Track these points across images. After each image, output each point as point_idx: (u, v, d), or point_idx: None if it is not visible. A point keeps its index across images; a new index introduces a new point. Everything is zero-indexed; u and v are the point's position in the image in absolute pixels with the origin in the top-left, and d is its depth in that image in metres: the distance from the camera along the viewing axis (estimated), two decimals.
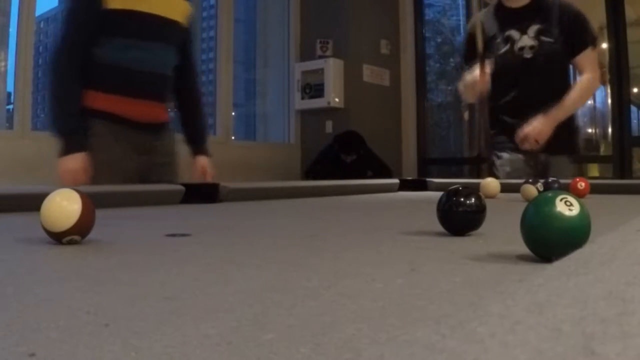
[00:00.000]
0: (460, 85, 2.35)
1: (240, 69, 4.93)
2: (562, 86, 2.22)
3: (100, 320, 0.34)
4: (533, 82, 2.20)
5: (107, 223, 0.88)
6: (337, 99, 4.48)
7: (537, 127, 2.12)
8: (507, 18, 2.25)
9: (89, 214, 0.67)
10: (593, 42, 2.27)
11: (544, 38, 2.21)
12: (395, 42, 4.94)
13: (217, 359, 0.27)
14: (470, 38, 2.31)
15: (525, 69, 2.20)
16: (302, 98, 4.60)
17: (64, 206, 0.65)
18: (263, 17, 5.00)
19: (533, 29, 2.21)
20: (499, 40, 2.24)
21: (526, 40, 2.20)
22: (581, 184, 1.60)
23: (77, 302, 0.39)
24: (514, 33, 2.22)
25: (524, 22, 2.23)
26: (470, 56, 2.29)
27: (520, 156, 2.25)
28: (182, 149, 1.95)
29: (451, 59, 5.53)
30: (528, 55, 2.20)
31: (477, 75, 2.18)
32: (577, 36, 2.21)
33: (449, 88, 5.56)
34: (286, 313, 0.36)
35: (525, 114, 2.14)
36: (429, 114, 5.13)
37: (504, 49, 2.23)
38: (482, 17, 2.34)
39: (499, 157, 2.31)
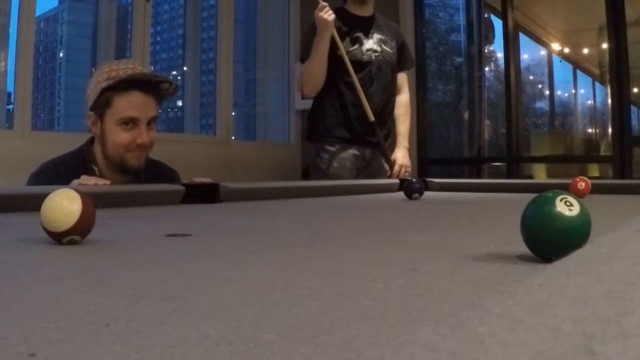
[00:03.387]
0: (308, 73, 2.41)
1: (240, 69, 4.93)
2: (392, 91, 2.56)
3: (100, 320, 0.34)
4: (375, 83, 2.43)
5: (107, 223, 0.88)
6: None
7: (405, 158, 2.58)
8: (354, 21, 2.44)
9: (89, 214, 0.67)
10: (413, 65, 2.84)
11: (385, 47, 2.48)
12: None
13: (217, 359, 0.27)
14: (311, 35, 2.40)
15: (368, 69, 2.43)
16: (302, 98, 4.60)
17: (64, 206, 0.65)
18: (263, 17, 5.00)
19: (376, 36, 2.47)
20: (347, 39, 2.41)
21: (371, 44, 2.45)
22: (581, 184, 1.60)
23: (77, 302, 0.39)
24: (360, 35, 2.44)
25: (368, 28, 2.47)
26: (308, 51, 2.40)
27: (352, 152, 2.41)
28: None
29: (454, 59, 5.53)
30: (371, 56, 2.43)
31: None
32: (405, 55, 2.60)
33: (449, 88, 5.57)
34: (286, 313, 0.36)
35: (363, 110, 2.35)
36: (428, 114, 5.13)
37: (353, 48, 2.42)
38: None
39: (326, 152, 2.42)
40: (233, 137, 4.52)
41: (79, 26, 5.45)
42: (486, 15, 5.20)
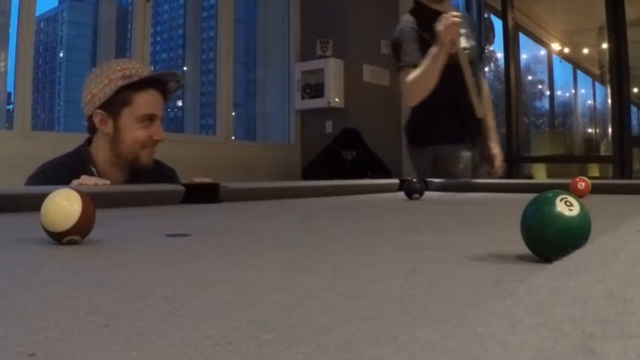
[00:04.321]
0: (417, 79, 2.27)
1: (240, 69, 4.93)
2: (478, 87, 2.40)
3: (100, 320, 0.34)
4: (468, 85, 2.32)
5: (107, 223, 0.88)
6: (337, 99, 4.48)
7: (499, 150, 2.45)
8: (436, 20, 2.29)
9: (89, 214, 0.67)
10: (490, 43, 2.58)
11: (471, 41, 2.37)
12: None
13: (217, 359, 0.27)
14: (411, 43, 2.31)
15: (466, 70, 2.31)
16: (302, 98, 4.60)
17: (64, 206, 0.65)
18: (263, 17, 5.00)
19: (463, 31, 2.33)
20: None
21: (463, 42, 2.32)
22: (581, 184, 1.60)
23: (77, 302, 0.39)
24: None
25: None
26: (415, 61, 2.27)
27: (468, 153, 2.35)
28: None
29: None
30: (469, 56, 2.31)
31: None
32: (481, 45, 2.50)
33: None
34: (286, 313, 0.36)
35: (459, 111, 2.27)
36: None
37: (453, 50, 2.28)
38: (413, 21, 2.36)
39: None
40: (233, 137, 4.52)
41: (79, 26, 5.46)
42: (486, 15, 5.20)
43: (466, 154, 2.36)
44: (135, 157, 1.58)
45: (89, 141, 1.63)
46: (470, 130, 2.36)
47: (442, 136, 2.33)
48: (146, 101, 1.58)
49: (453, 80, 2.23)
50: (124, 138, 1.57)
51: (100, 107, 1.56)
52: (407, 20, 2.40)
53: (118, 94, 1.55)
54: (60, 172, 1.50)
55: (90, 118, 1.59)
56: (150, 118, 1.58)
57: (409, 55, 2.30)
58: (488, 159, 2.45)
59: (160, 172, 1.70)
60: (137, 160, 1.59)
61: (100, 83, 1.56)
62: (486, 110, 2.47)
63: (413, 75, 2.25)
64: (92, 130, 1.61)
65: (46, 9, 5.46)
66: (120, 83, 1.54)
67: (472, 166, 2.39)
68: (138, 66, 1.62)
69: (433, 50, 2.17)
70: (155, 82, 1.61)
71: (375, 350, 0.28)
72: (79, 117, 3.93)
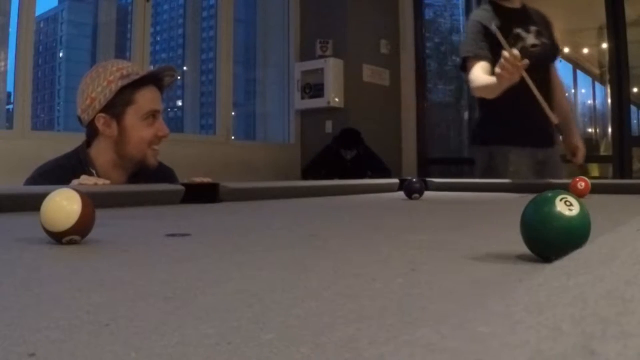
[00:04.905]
0: (479, 81, 2.21)
1: (240, 69, 4.93)
2: (551, 85, 2.37)
3: (100, 320, 0.34)
4: (538, 79, 2.19)
5: (107, 223, 0.88)
6: (337, 99, 4.48)
7: (582, 144, 2.38)
8: (510, 17, 2.27)
9: (89, 214, 0.67)
10: (560, 52, 2.55)
11: (543, 39, 2.31)
12: (395, 42, 4.94)
13: (217, 359, 0.27)
14: (475, 35, 2.27)
15: (534, 67, 2.17)
16: (302, 98, 4.60)
17: (64, 206, 0.65)
18: (263, 17, 5.00)
19: (533, 28, 2.29)
20: (509, 38, 2.19)
21: (532, 39, 2.27)
22: (581, 184, 1.60)
23: (77, 302, 0.39)
24: (520, 31, 2.26)
25: (525, 22, 2.29)
26: (477, 52, 2.24)
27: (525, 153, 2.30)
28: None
29: (454, 59, 5.53)
30: (536, 52, 2.25)
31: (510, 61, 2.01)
32: (556, 42, 2.42)
33: (449, 88, 5.56)
34: (286, 313, 0.36)
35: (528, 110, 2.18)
36: (428, 114, 5.12)
37: (518, 46, 2.20)
38: (482, 16, 2.33)
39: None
40: (233, 137, 4.52)
41: (79, 26, 5.45)
42: None
43: (521, 158, 2.30)
44: (144, 158, 1.57)
45: (87, 144, 1.60)
46: (535, 135, 2.31)
47: (500, 138, 2.32)
48: (148, 98, 1.56)
49: (518, 88, 2.13)
50: (131, 138, 1.54)
51: (102, 111, 1.53)
52: (475, 15, 2.39)
53: (119, 94, 1.53)
54: (60, 175, 1.47)
55: (91, 123, 1.55)
56: (153, 115, 1.57)
57: (471, 47, 2.27)
58: (571, 152, 2.42)
59: (160, 171, 1.70)
60: (145, 161, 1.58)
61: (99, 86, 1.53)
62: (563, 106, 2.43)
63: (476, 80, 2.20)
64: (93, 134, 1.57)
65: (46, 9, 5.46)
66: (121, 83, 1.52)
67: (537, 170, 2.34)
68: (132, 65, 1.62)
69: (494, 79, 2.07)
70: (153, 78, 1.60)
71: (375, 350, 0.28)
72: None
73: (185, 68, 4.99)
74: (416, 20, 5.00)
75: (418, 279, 0.48)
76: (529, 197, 0.57)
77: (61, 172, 1.50)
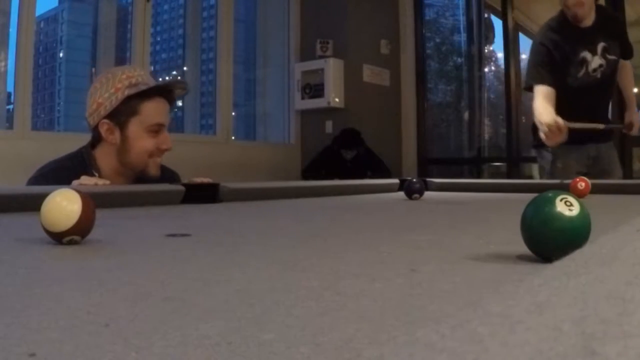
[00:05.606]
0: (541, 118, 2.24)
1: (240, 69, 4.93)
2: (612, 92, 2.42)
3: (100, 320, 0.34)
4: (598, 98, 2.31)
5: (107, 223, 0.88)
6: (337, 99, 4.48)
7: (637, 117, 2.39)
8: (577, 38, 2.28)
9: (89, 214, 0.67)
10: (632, 55, 2.48)
11: (609, 56, 2.31)
12: (395, 42, 4.94)
13: (217, 359, 0.27)
14: (538, 60, 2.30)
15: (594, 88, 2.29)
16: (302, 98, 4.60)
17: (64, 206, 0.65)
18: (263, 17, 5.00)
19: (600, 47, 2.29)
20: (574, 62, 2.27)
21: (597, 61, 2.28)
22: (581, 184, 1.60)
23: (77, 302, 0.39)
24: (587, 55, 2.28)
25: (593, 41, 2.29)
26: (539, 81, 2.27)
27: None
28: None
29: (454, 59, 5.53)
30: (598, 75, 2.29)
31: (558, 127, 2.12)
32: (626, 42, 2.38)
33: (449, 88, 5.56)
34: (286, 313, 0.36)
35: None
36: (428, 114, 5.13)
37: (581, 72, 2.28)
38: (548, 37, 2.33)
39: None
40: (233, 137, 4.52)
41: (79, 26, 5.45)
42: (486, 15, 5.20)
43: (569, 154, 2.34)
44: (145, 168, 1.56)
45: (92, 145, 1.59)
46: (588, 136, 2.34)
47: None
48: (154, 110, 1.54)
49: (573, 100, 2.24)
50: (132, 148, 1.53)
51: (106, 117, 1.52)
52: (541, 35, 2.38)
53: (125, 103, 1.51)
54: (62, 176, 1.45)
55: (96, 127, 1.55)
56: (158, 127, 1.56)
57: (533, 74, 2.32)
58: (627, 126, 2.44)
59: (164, 176, 1.68)
60: (146, 172, 1.56)
61: (106, 92, 1.52)
62: (627, 89, 2.49)
63: (535, 113, 2.25)
64: (98, 139, 1.57)
65: (46, 9, 5.46)
66: (127, 92, 1.50)
67: (588, 165, 2.38)
68: (143, 73, 1.59)
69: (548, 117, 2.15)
70: (162, 90, 1.58)
71: (375, 350, 0.28)
72: (78, 117, 3.94)
73: (185, 68, 4.99)
74: (416, 20, 5.00)
75: (418, 279, 0.48)
76: (529, 197, 0.57)
77: (63, 172, 1.49)
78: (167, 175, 1.71)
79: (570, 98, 2.24)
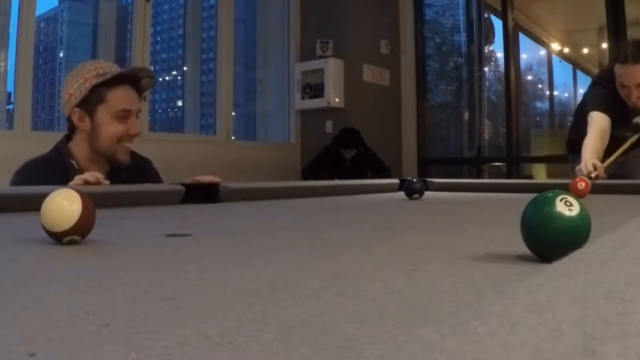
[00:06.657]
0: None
1: (240, 69, 4.93)
2: None
3: (100, 320, 0.34)
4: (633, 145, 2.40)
5: (107, 223, 0.88)
6: (337, 99, 4.48)
7: None
8: (628, 111, 2.35)
9: (89, 214, 0.67)
10: None
11: None
12: (395, 42, 4.94)
13: (217, 359, 0.27)
14: (608, 97, 2.36)
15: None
16: (302, 98, 4.60)
17: (64, 206, 0.65)
18: (263, 17, 5.00)
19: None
20: (627, 127, 2.37)
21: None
22: (581, 184, 1.60)
23: (77, 302, 0.39)
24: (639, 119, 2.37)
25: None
26: (606, 105, 2.34)
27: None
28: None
29: (454, 59, 5.53)
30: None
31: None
32: None
33: (449, 88, 5.56)
34: (286, 313, 0.36)
35: None
36: (429, 114, 5.13)
37: (635, 137, 2.38)
38: (610, 89, 2.38)
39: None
40: (233, 137, 4.52)
41: (79, 26, 5.45)
42: (486, 15, 5.20)
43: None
44: (113, 154, 1.64)
45: (67, 138, 1.69)
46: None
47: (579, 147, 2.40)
48: (120, 97, 1.64)
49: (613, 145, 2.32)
50: (101, 134, 1.63)
51: (77, 106, 1.62)
52: (601, 79, 2.47)
53: (93, 91, 1.61)
54: (42, 167, 1.59)
55: (69, 117, 1.65)
56: (125, 113, 1.64)
57: (598, 103, 2.39)
58: None
59: (136, 162, 1.75)
60: (115, 157, 1.65)
61: (76, 83, 1.62)
62: None
63: (588, 140, 2.31)
64: (72, 128, 1.67)
65: (46, 9, 5.47)
66: (95, 81, 1.61)
67: (614, 169, 2.44)
68: (111, 65, 1.69)
69: (596, 145, 2.26)
70: (129, 79, 1.67)
71: (375, 350, 0.28)
72: None
73: (185, 68, 4.99)
74: (416, 20, 5.00)
75: (418, 279, 0.48)
76: (529, 197, 0.57)
77: (43, 165, 1.61)
78: (139, 162, 1.80)
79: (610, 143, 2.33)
